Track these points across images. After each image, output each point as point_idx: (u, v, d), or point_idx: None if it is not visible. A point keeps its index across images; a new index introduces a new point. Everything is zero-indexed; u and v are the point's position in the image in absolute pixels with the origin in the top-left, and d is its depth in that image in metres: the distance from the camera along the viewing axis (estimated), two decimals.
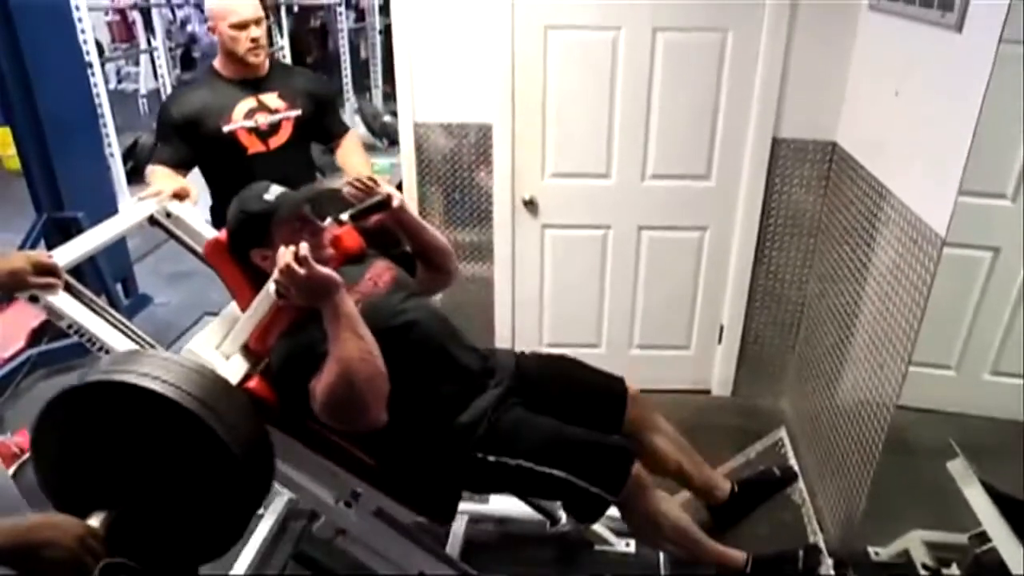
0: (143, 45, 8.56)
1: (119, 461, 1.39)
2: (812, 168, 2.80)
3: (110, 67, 8.62)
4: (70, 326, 1.60)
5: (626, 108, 2.79)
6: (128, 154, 5.60)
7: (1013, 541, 1.75)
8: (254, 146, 2.46)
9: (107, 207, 3.56)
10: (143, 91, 8.58)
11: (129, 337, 1.67)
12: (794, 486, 2.14)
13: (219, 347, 1.71)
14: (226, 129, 2.42)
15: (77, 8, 3.98)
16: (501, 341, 3.17)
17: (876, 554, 2.28)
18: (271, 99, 2.48)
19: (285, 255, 1.50)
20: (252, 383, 1.66)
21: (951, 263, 1.93)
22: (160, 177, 2.30)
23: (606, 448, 1.77)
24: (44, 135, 3.41)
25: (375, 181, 1.90)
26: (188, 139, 2.43)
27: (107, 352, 1.62)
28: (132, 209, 2.03)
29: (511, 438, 1.74)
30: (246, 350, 1.72)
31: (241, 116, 2.43)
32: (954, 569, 1.92)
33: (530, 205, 2.97)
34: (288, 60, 6.06)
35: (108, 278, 3.61)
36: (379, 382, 1.54)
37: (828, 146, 2.75)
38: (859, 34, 2.55)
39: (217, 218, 2.66)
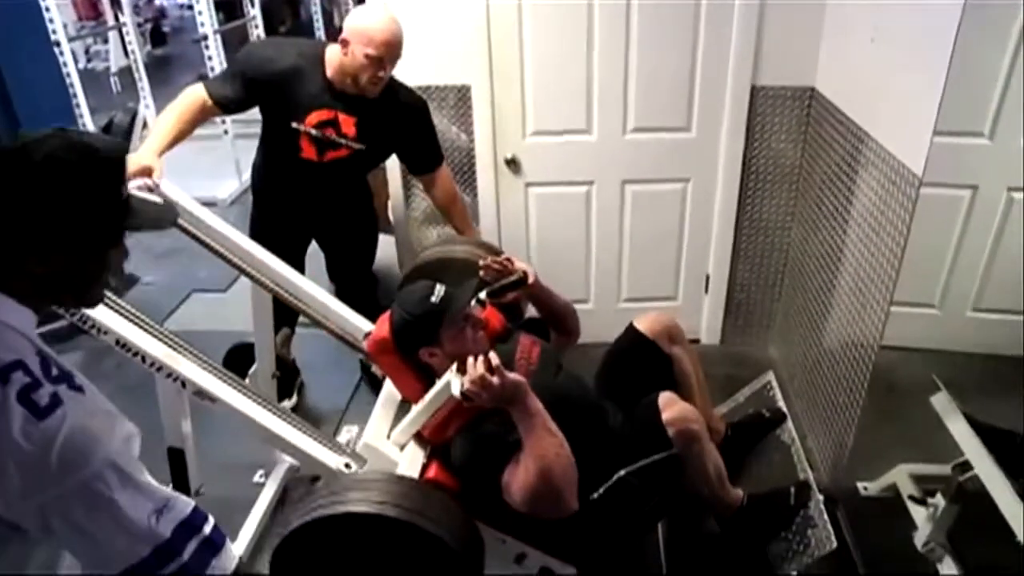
0: (110, 22, 8.38)
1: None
2: (791, 114, 2.81)
3: (77, 46, 8.44)
4: None
5: (604, 62, 2.78)
6: (104, 134, 5.52)
7: (994, 467, 1.80)
8: (308, 152, 2.41)
9: None
10: (114, 69, 8.42)
11: (119, 314, 1.68)
12: (783, 427, 2.18)
13: (390, 436, 1.81)
14: (293, 125, 2.37)
15: None
16: None
17: (865, 489, 2.34)
18: (347, 123, 2.38)
19: (477, 367, 1.56)
20: (433, 471, 1.75)
21: (931, 203, 1.96)
22: (171, 109, 2.31)
23: (635, 422, 1.83)
24: (17, 118, 3.36)
25: (510, 259, 1.99)
26: (251, 94, 2.38)
27: (99, 330, 1.64)
28: None
29: (598, 469, 1.78)
30: (417, 436, 1.80)
31: (312, 123, 2.36)
32: (939, 498, 1.98)
33: (512, 164, 2.97)
34: (261, 32, 5.95)
35: None
36: (572, 474, 1.61)
37: (806, 92, 2.75)
38: None
39: (256, 181, 2.71)
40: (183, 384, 1.71)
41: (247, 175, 2.81)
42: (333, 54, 2.34)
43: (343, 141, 2.40)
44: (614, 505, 1.77)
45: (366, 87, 2.32)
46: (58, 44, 4.25)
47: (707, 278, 3.19)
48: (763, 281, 3.16)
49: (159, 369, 1.70)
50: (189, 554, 1.01)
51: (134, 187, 1.99)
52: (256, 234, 2.39)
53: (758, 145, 2.88)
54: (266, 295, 2.20)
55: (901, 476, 2.22)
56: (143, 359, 1.68)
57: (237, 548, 2.11)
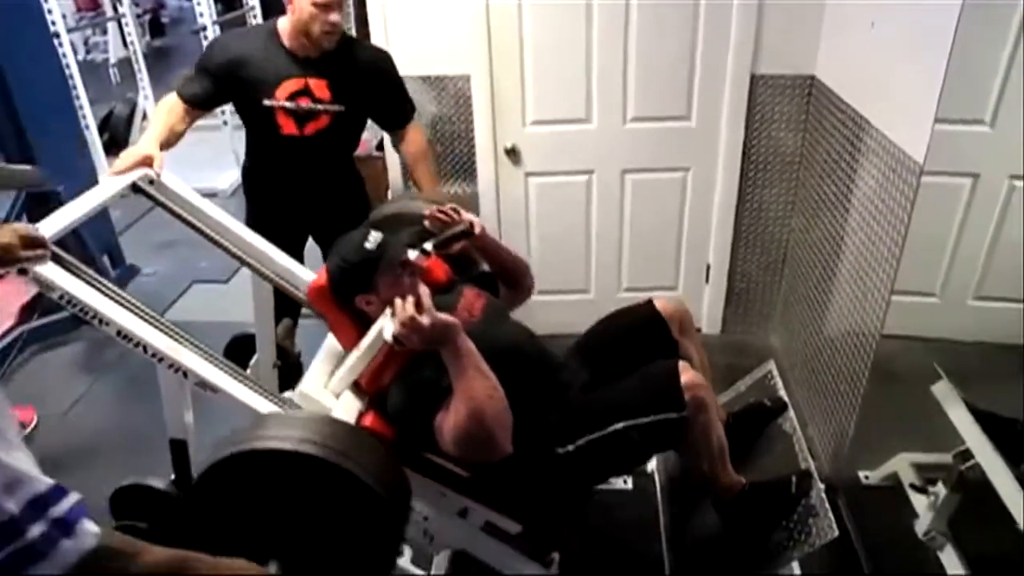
0: (109, 13, 8.35)
1: (279, 515, 1.47)
2: (791, 103, 2.80)
3: (77, 37, 8.42)
4: (61, 296, 1.61)
5: (604, 50, 2.78)
6: (104, 125, 5.52)
7: (995, 456, 1.81)
8: (288, 127, 2.39)
9: (86, 179, 3.51)
10: (113, 60, 8.41)
11: (121, 305, 1.68)
12: (785, 416, 2.17)
13: (327, 386, 1.76)
14: (266, 103, 2.35)
15: None
16: None
17: (866, 478, 2.35)
18: (320, 86, 2.36)
19: (406, 308, 1.52)
20: (368, 420, 1.71)
21: (932, 191, 1.95)
22: (153, 123, 2.29)
23: (648, 377, 1.80)
24: (16, 110, 3.35)
25: (457, 210, 1.95)
26: (220, 85, 2.37)
27: (101, 321, 1.64)
28: (113, 178, 2.01)
29: (573, 422, 1.77)
30: (355, 387, 1.76)
31: (284, 95, 2.35)
32: (940, 487, 1.98)
33: (512, 154, 2.96)
34: (259, 19, 5.92)
35: (94, 250, 3.59)
36: (505, 416, 1.58)
37: (807, 80, 2.75)
38: None
39: (246, 176, 2.68)
40: (185, 375, 1.71)
41: None
42: (284, 21, 2.35)
43: (321, 107, 2.38)
44: (600, 456, 1.76)
45: (320, 38, 2.30)
46: (57, 35, 4.23)
47: (707, 267, 3.19)
48: (764, 270, 3.16)
49: (161, 360, 1.69)
50: (35, 534, 0.95)
51: (136, 176, 2.00)
52: None
53: (758, 134, 2.88)
54: (267, 286, 2.20)
55: (902, 465, 2.23)
56: (145, 349, 1.68)
57: None
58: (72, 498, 1.01)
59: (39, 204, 3.39)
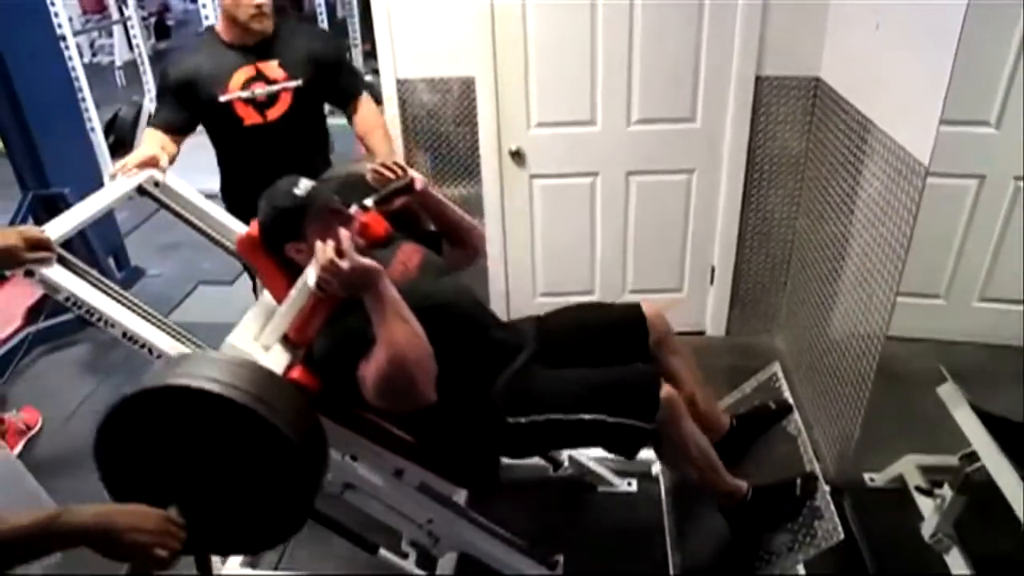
0: (115, 16, 8.39)
1: (184, 458, 1.43)
2: (796, 104, 2.79)
3: (83, 40, 8.45)
4: (67, 299, 1.62)
5: (608, 52, 2.77)
6: (109, 127, 5.54)
7: (1001, 458, 1.80)
8: (250, 118, 2.39)
9: (92, 182, 3.52)
10: (119, 63, 8.44)
11: (126, 307, 1.69)
12: (789, 418, 2.17)
13: (257, 338, 1.72)
14: (222, 99, 2.36)
15: None
16: (495, 295, 3.20)
17: (871, 480, 2.34)
18: (271, 68, 2.38)
19: (326, 251, 1.51)
20: (295, 373, 1.69)
21: (937, 192, 1.94)
22: (146, 141, 2.30)
23: (630, 379, 1.79)
24: (23, 112, 3.36)
25: (400, 166, 1.93)
26: (184, 103, 2.39)
27: (106, 323, 1.64)
28: (119, 180, 2.02)
29: (538, 396, 1.76)
30: (285, 340, 1.73)
31: (238, 86, 2.36)
32: (946, 489, 1.97)
33: (517, 156, 2.96)
34: None
35: (99, 252, 3.60)
36: (427, 363, 1.57)
37: (811, 82, 2.74)
38: None
39: (225, 192, 2.64)
40: None
41: None
42: (219, 21, 2.40)
43: (278, 87, 2.39)
44: (554, 436, 1.78)
45: (251, 23, 2.31)
46: (63, 38, 4.26)
47: (712, 269, 3.19)
48: (768, 272, 3.16)
49: None
50: None
51: (141, 179, 2.00)
52: None
53: (763, 135, 2.87)
54: None
55: (908, 467, 2.22)
56: (150, 351, 1.68)
57: None
58: None
59: (46, 206, 3.42)
